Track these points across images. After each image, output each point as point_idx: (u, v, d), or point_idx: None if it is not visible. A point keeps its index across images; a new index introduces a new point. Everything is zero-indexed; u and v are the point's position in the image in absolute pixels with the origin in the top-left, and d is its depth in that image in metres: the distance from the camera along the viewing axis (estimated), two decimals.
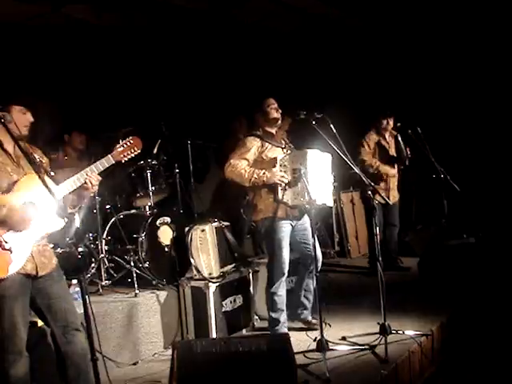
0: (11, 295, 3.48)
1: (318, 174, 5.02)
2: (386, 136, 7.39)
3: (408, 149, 7.26)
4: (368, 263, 7.79)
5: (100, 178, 3.76)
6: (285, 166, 5.00)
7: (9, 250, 3.42)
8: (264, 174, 5.03)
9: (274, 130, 5.29)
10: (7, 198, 3.46)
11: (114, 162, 3.84)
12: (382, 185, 6.83)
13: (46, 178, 3.53)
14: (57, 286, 3.74)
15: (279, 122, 5.26)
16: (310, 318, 5.07)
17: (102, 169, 3.79)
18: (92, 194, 3.96)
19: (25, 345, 3.59)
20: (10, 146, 3.63)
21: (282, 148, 5.24)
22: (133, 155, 3.94)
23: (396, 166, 7.41)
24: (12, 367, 3.53)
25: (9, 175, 3.54)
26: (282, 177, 4.96)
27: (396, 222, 7.45)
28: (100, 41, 7.17)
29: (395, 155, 7.39)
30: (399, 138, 7.27)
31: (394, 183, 7.28)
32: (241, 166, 5.09)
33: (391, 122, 7.33)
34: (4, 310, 3.48)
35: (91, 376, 3.73)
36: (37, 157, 3.77)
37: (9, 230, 3.44)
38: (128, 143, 3.90)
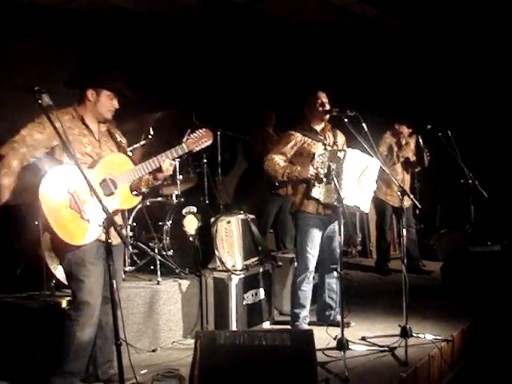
0: (89, 260, 3.75)
1: (356, 176, 4.96)
2: (402, 141, 7.37)
3: (428, 151, 7.23)
4: (375, 264, 7.79)
5: (174, 163, 4.04)
6: (322, 162, 4.96)
7: (87, 220, 3.67)
8: (296, 169, 5.02)
9: (320, 126, 5.26)
10: (88, 172, 3.66)
11: (186, 151, 4.10)
12: (396, 188, 6.81)
13: (128, 159, 3.96)
14: (117, 260, 4.00)
15: (326, 117, 5.21)
16: (338, 318, 5.05)
17: (176, 156, 4.05)
18: (165, 177, 4.21)
19: (99, 309, 3.83)
20: (93, 123, 3.93)
21: (324, 144, 5.21)
22: (203, 146, 4.18)
23: (410, 171, 7.42)
24: (79, 330, 3.76)
25: (83, 146, 3.83)
26: (313, 171, 4.93)
27: (411, 224, 7.44)
28: (135, 28, 7.18)
29: (412, 158, 7.39)
30: (420, 141, 7.24)
31: (407, 187, 7.25)
32: (276, 161, 5.11)
33: (404, 130, 7.35)
34: (83, 274, 3.75)
35: (113, 353, 4.02)
36: (118, 137, 4.08)
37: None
38: (200, 134, 4.14)
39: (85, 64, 6.30)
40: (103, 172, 3.83)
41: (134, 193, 4.05)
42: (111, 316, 3.85)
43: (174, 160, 4.06)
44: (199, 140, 4.14)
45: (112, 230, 3.76)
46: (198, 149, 4.18)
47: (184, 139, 4.13)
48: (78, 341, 3.75)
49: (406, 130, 7.36)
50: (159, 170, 3.98)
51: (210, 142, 4.21)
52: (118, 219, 4.06)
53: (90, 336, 3.83)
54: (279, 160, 5.11)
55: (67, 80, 4.07)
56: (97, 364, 4.04)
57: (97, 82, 3.91)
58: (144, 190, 4.10)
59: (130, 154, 4.16)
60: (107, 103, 3.91)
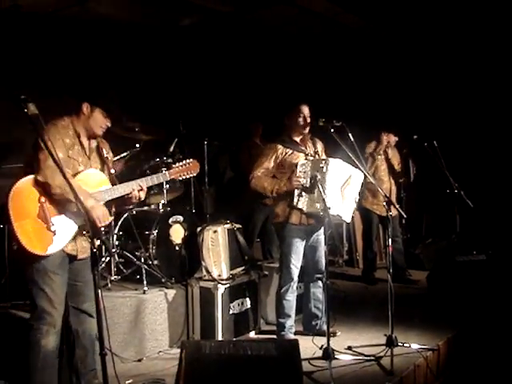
0: (51, 269, 3.71)
1: (338, 185, 4.99)
2: (388, 150, 7.41)
3: (414, 167, 7.27)
4: (362, 273, 7.80)
5: (145, 191, 3.96)
6: (305, 172, 5.00)
7: (53, 232, 3.66)
8: (285, 185, 5.05)
9: (299, 138, 5.29)
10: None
11: (168, 179, 4.09)
12: (382, 198, 6.87)
13: (106, 178, 3.92)
14: (87, 272, 3.89)
15: (306, 130, 5.25)
16: (324, 327, 5.04)
17: (157, 182, 4.06)
18: (132, 207, 4.10)
19: (61, 319, 3.77)
20: (85, 139, 3.93)
21: (306, 154, 5.23)
22: (188, 177, 4.16)
23: (393, 180, 7.45)
24: (43, 338, 3.71)
25: (78, 164, 3.84)
26: (297, 180, 4.96)
27: (398, 234, 7.46)
28: (122, 37, 7.18)
29: (397, 167, 7.44)
30: (408, 156, 7.30)
31: (393, 196, 7.28)
32: (263, 179, 5.15)
33: (391, 139, 7.37)
34: (44, 283, 3.71)
35: (95, 362, 3.97)
36: (105, 152, 4.04)
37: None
38: (186, 165, 4.12)
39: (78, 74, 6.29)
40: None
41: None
42: (89, 325, 3.90)
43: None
44: (185, 170, 4.12)
45: (83, 243, 3.83)
46: (180, 178, 4.17)
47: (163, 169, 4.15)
48: (43, 349, 3.71)
49: (393, 139, 7.38)
50: (130, 195, 3.92)
51: (195, 174, 4.19)
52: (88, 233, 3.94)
53: (54, 345, 3.77)
54: (265, 176, 5.16)
55: (68, 88, 4.08)
56: (79, 374, 3.99)
57: (92, 97, 3.92)
58: (113, 209, 4.03)
59: (113, 171, 4.08)
60: (100, 120, 3.90)
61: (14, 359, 4.08)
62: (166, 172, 4.07)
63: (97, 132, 3.93)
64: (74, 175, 3.79)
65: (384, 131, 7.34)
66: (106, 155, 4.05)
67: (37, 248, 3.64)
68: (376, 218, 7.41)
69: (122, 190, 3.88)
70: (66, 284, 3.83)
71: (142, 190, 3.92)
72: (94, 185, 3.86)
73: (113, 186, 3.94)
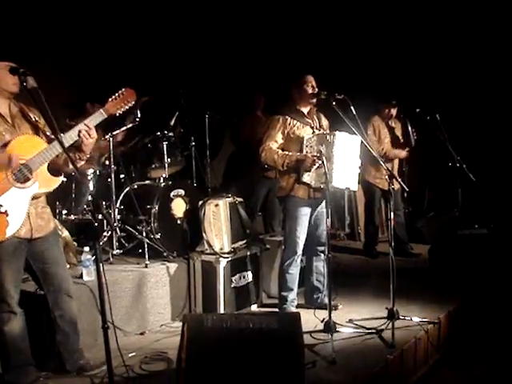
0: (5, 258, 3.57)
1: (345, 158, 4.94)
2: (391, 122, 7.37)
3: (415, 132, 7.23)
4: (363, 247, 7.81)
5: (92, 131, 3.65)
6: (311, 146, 4.96)
7: (5, 213, 3.47)
8: (296, 158, 4.98)
9: (306, 109, 5.24)
10: None
11: (106, 117, 3.73)
12: (384, 171, 6.86)
13: (40, 139, 3.64)
14: (52, 250, 3.83)
15: (314, 100, 5.18)
16: (326, 301, 5.04)
17: (94, 124, 3.69)
18: (88, 154, 3.80)
19: (17, 304, 3.71)
20: (3, 106, 3.67)
21: (312, 127, 5.18)
22: (127, 107, 3.79)
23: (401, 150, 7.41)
24: (6, 325, 3.67)
25: (1, 135, 3.58)
26: (314, 160, 4.87)
27: (400, 208, 7.46)
28: (120, 8, 7.09)
29: (401, 139, 7.38)
30: (407, 122, 7.25)
31: (395, 170, 7.26)
32: (274, 151, 5.06)
33: (394, 112, 7.32)
34: None
35: (78, 343, 3.99)
36: (33, 117, 3.76)
37: None
38: (120, 95, 3.76)
39: None
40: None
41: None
42: (68, 307, 3.86)
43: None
44: (121, 102, 3.75)
45: (38, 222, 3.68)
46: (121, 111, 3.78)
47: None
48: (9, 335, 3.68)
49: (395, 112, 7.34)
50: (80, 142, 3.64)
51: (133, 102, 3.81)
52: (43, 201, 3.80)
53: (19, 328, 3.74)
54: (275, 149, 5.07)
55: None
56: (63, 358, 3.95)
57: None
58: (69, 169, 3.76)
59: (49, 133, 3.74)
60: (7, 77, 3.58)
61: None
62: (101, 110, 3.70)
63: (12, 90, 3.62)
64: (4, 146, 3.53)
65: (386, 104, 7.29)
66: (35, 119, 3.74)
67: None
68: (378, 192, 7.39)
69: (69, 138, 3.59)
70: (20, 269, 3.70)
71: (89, 128, 3.62)
72: (30, 150, 3.56)
73: None
